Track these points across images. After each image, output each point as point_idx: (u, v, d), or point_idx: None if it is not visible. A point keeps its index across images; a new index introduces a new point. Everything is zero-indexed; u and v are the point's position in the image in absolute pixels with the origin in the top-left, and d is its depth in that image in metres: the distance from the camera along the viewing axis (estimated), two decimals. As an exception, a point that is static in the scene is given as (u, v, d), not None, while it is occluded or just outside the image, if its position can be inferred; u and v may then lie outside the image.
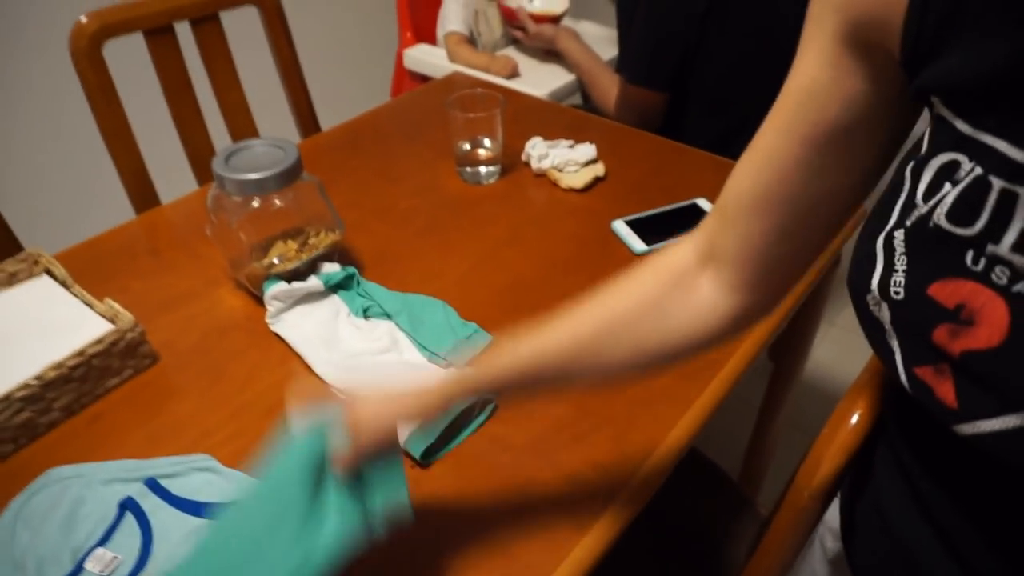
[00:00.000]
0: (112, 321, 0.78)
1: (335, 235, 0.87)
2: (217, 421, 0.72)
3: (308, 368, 0.77)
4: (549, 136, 1.14)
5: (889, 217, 0.40)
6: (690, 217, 1.00)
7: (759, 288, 0.50)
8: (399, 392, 0.53)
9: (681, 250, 0.53)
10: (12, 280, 0.85)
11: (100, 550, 0.60)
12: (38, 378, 0.69)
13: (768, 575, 0.56)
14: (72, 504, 0.63)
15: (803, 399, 1.71)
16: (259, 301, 0.85)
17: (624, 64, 1.37)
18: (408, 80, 1.85)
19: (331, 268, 0.85)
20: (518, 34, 1.76)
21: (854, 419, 0.48)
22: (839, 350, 1.88)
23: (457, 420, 0.70)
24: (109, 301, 0.79)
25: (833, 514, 0.58)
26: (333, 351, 0.77)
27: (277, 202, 0.82)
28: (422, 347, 0.79)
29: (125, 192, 1.17)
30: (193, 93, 1.20)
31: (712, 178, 1.09)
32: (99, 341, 0.73)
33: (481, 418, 0.71)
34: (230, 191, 0.79)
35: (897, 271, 0.38)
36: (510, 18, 1.75)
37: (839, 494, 0.58)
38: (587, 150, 1.09)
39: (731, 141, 1.22)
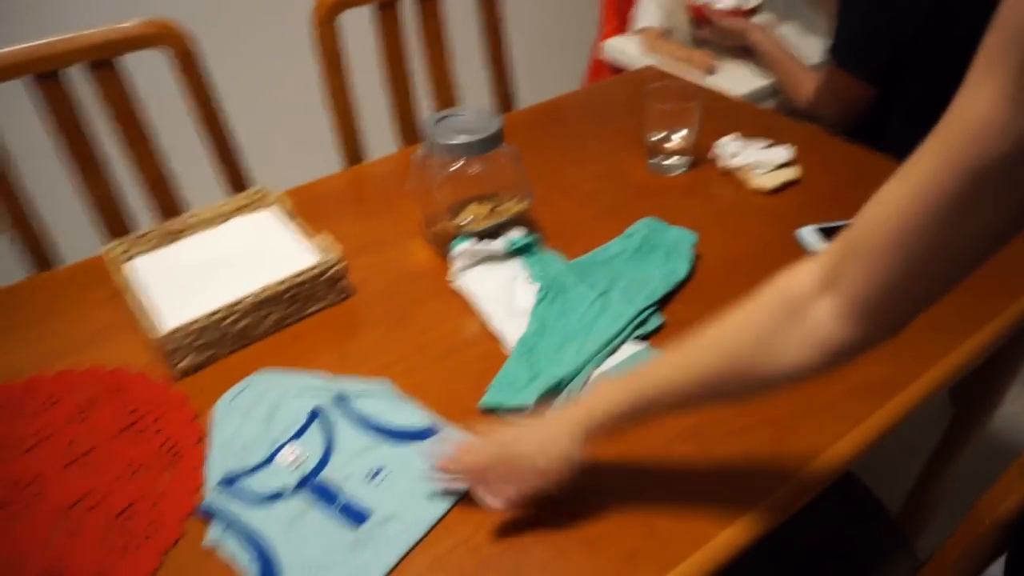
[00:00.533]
0: (322, 254, 0.88)
1: (523, 204, 0.91)
2: (398, 355, 0.79)
3: (484, 322, 0.82)
4: (743, 135, 1.12)
5: None
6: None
7: (880, 321, 0.48)
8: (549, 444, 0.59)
9: (801, 275, 0.51)
10: (243, 209, 0.98)
11: (291, 445, 0.68)
12: (256, 295, 0.79)
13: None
14: (273, 403, 0.72)
15: (984, 453, 1.55)
16: (445, 257, 0.91)
17: (836, 48, 1.32)
18: (604, 71, 1.88)
19: (516, 231, 0.90)
20: (706, 33, 1.73)
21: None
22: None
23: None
24: (324, 235, 0.88)
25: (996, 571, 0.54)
26: (509, 309, 0.82)
27: (476, 166, 0.88)
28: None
29: (338, 148, 1.29)
30: (406, 65, 1.29)
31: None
32: (309, 269, 0.82)
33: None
34: (437, 151, 0.86)
35: None
36: (698, 17, 1.72)
37: (1008, 550, 0.54)
38: (782, 152, 1.06)
39: None
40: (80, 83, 1.03)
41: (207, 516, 0.63)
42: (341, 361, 0.79)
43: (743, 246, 0.94)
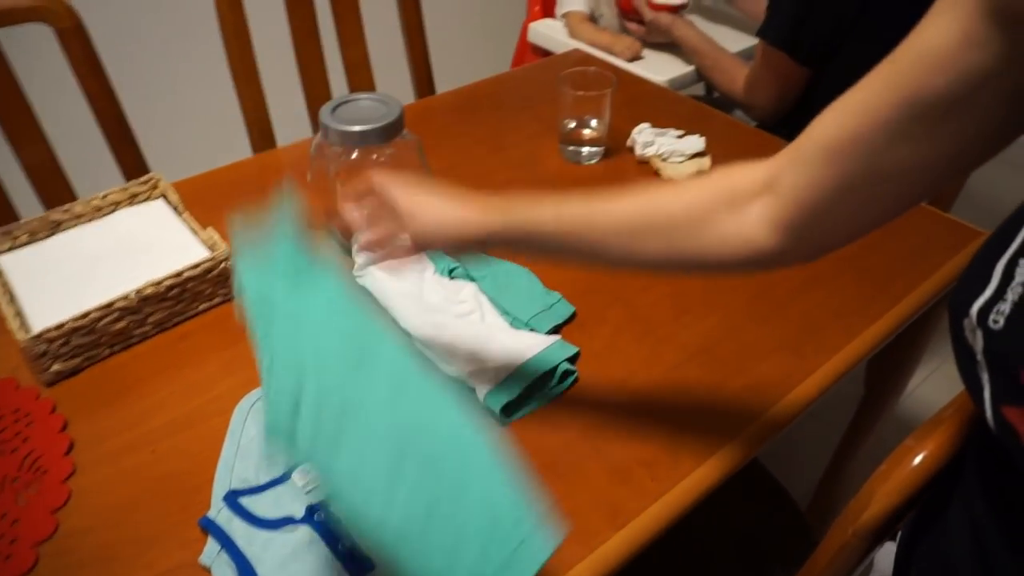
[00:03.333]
0: (211, 249, 0.83)
1: (426, 196, 0.88)
2: (289, 357, 0.75)
3: (392, 321, 0.79)
4: (660, 124, 1.10)
5: (1013, 239, 0.36)
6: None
7: (801, 237, 0.49)
8: (450, 210, 0.58)
9: (750, 171, 0.52)
10: (133, 200, 0.92)
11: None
12: (137, 292, 0.74)
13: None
14: None
15: (894, 436, 1.60)
16: (347, 251, 0.88)
17: (770, 28, 1.29)
18: (530, 54, 1.85)
19: None
20: (632, 26, 1.71)
21: (918, 459, 0.45)
22: (949, 389, 1.74)
23: (536, 381, 0.70)
24: (211, 230, 0.84)
25: (886, 559, 0.54)
26: (418, 308, 0.79)
27: (375, 156, 0.84)
28: (505, 312, 0.80)
29: (246, 132, 1.23)
30: (320, 44, 1.24)
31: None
32: (195, 266, 0.77)
33: (564, 385, 0.72)
34: (332, 140, 0.82)
35: (1006, 300, 0.35)
36: (625, 8, 1.71)
37: (898, 539, 0.54)
38: (695, 142, 1.05)
39: None
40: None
41: (205, 531, 0.59)
42: (225, 366, 0.74)
43: (653, 238, 0.93)
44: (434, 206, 0.58)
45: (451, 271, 0.85)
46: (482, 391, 0.69)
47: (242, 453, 0.65)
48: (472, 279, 0.84)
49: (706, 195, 0.52)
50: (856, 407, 1.15)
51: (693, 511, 0.63)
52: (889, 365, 1.05)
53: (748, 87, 1.39)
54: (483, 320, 0.80)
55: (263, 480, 0.63)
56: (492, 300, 0.82)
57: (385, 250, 0.63)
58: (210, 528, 0.59)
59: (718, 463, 0.66)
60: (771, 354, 0.77)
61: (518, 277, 0.84)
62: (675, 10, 1.63)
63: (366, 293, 0.82)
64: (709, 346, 0.78)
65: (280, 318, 0.51)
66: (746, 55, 1.54)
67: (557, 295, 0.82)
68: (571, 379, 0.73)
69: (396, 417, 0.47)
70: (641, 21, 1.67)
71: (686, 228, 0.52)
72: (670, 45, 1.68)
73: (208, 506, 0.61)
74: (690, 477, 0.64)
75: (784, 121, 1.35)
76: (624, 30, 1.77)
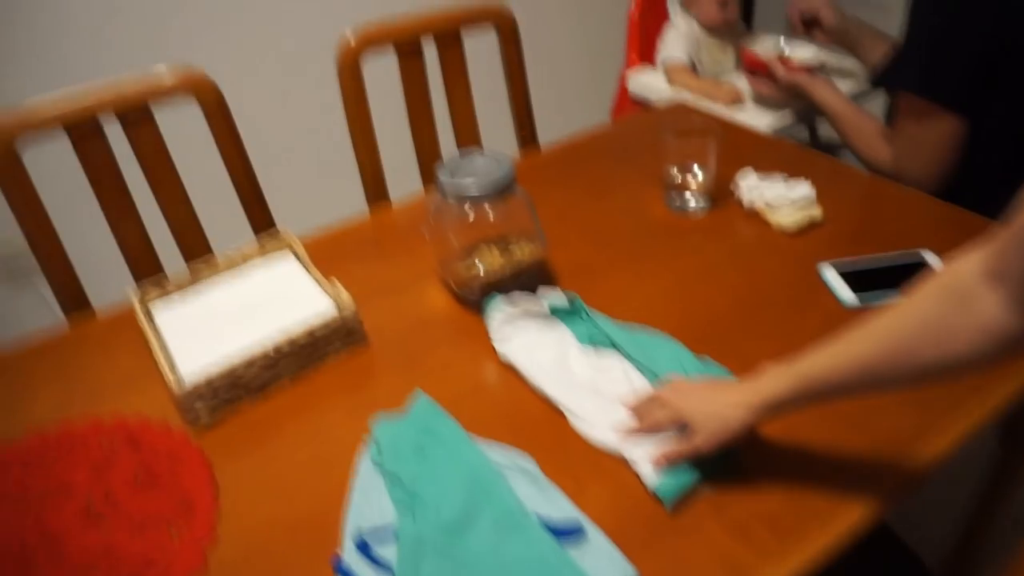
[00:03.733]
0: (336, 301, 0.88)
1: (537, 247, 0.91)
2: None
3: (535, 392, 0.79)
4: (764, 169, 1.10)
5: None
6: (912, 270, 0.91)
7: None
8: (729, 397, 0.65)
9: (965, 265, 0.53)
10: (264, 253, 1.00)
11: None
12: (276, 347, 0.80)
13: None
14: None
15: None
16: (459, 300, 0.92)
17: (902, 74, 1.15)
18: (629, 103, 1.88)
19: (554, 293, 0.87)
20: (761, 86, 1.57)
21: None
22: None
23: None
24: (336, 282, 0.89)
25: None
26: (564, 378, 0.79)
27: (488, 211, 0.88)
28: (654, 378, 0.78)
29: (364, 189, 1.31)
30: (430, 103, 1.31)
31: (941, 229, 0.99)
32: (323, 319, 0.83)
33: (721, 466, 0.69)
34: (449, 198, 0.86)
35: None
36: (753, 67, 1.58)
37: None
38: (804, 190, 1.03)
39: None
40: (110, 129, 1.06)
41: (336, 572, 0.62)
42: (354, 410, 0.79)
43: (762, 287, 0.92)
44: (715, 411, 0.65)
45: (591, 338, 0.84)
46: (651, 478, 0.68)
47: (366, 493, 0.69)
48: (614, 345, 0.83)
49: (932, 305, 0.54)
50: (992, 467, 1.08)
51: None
52: (1024, 420, 0.98)
53: (897, 153, 1.21)
54: (632, 388, 0.78)
55: (388, 520, 0.66)
56: (640, 366, 0.79)
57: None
58: (341, 570, 0.62)
59: (844, 523, 0.64)
60: (896, 408, 0.74)
61: (663, 343, 0.82)
62: (811, 71, 1.50)
63: (509, 364, 0.82)
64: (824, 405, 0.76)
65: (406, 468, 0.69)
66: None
67: (710, 360, 0.80)
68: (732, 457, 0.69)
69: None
70: (771, 79, 1.55)
71: (929, 347, 0.54)
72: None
73: (338, 544, 0.65)
74: (814, 538, 0.63)
75: (950, 189, 1.15)
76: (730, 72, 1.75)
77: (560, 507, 0.66)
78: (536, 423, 0.76)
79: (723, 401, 0.65)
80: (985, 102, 1.10)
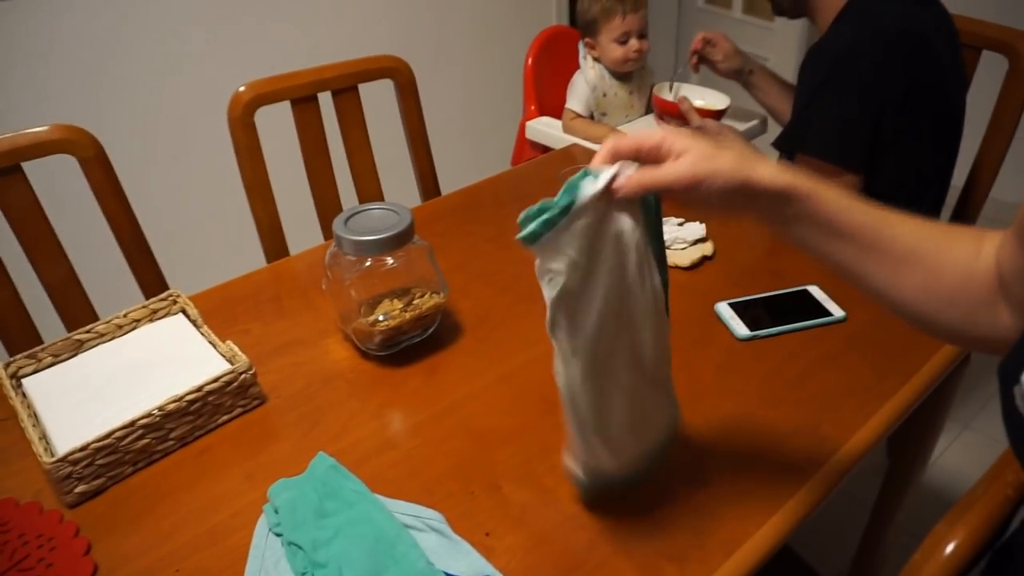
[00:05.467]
0: (230, 361, 0.85)
1: (439, 298, 0.90)
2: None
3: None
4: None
5: None
6: (799, 304, 0.96)
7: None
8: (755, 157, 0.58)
9: (983, 266, 0.55)
10: (153, 316, 0.94)
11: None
12: (160, 409, 0.76)
13: None
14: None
15: (924, 506, 1.56)
16: (362, 354, 0.89)
17: (809, 138, 1.23)
18: (529, 150, 1.92)
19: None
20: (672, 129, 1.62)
21: (950, 547, 0.44)
22: (974, 456, 1.71)
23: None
24: (230, 343, 0.86)
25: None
26: None
27: (388, 262, 0.87)
28: None
29: (260, 242, 1.27)
30: (328, 155, 1.30)
31: (827, 265, 1.05)
32: (215, 380, 0.79)
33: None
34: (346, 250, 0.85)
35: None
36: (664, 110, 1.62)
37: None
38: (696, 228, 1.08)
39: None
40: (-22, 194, 1.00)
41: None
42: (253, 475, 0.75)
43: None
44: (738, 150, 0.59)
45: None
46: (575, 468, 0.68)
47: (266, 569, 0.65)
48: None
49: (972, 284, 0.56)
50: (882, 478, 1.13)
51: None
52: (911, 435, 1.04)
53: None
54: None
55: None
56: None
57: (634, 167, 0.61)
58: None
59: (748, 553, 0.65)
60: (789, 439, 0.77)
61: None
62: (719, 116, 1.57)
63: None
64: (725, 434, 0.78)
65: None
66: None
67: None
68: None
69: None
70: (682, 124, 1.56)
71: (940, 263, 0.56)
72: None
73: (234, 627, 0.60)
74: (721, 569, 0.63)
75: None
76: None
77: (470, 561, 0.65)
78: (445, 477, 0.74)
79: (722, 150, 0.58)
80: (877, 157, 1.19)
